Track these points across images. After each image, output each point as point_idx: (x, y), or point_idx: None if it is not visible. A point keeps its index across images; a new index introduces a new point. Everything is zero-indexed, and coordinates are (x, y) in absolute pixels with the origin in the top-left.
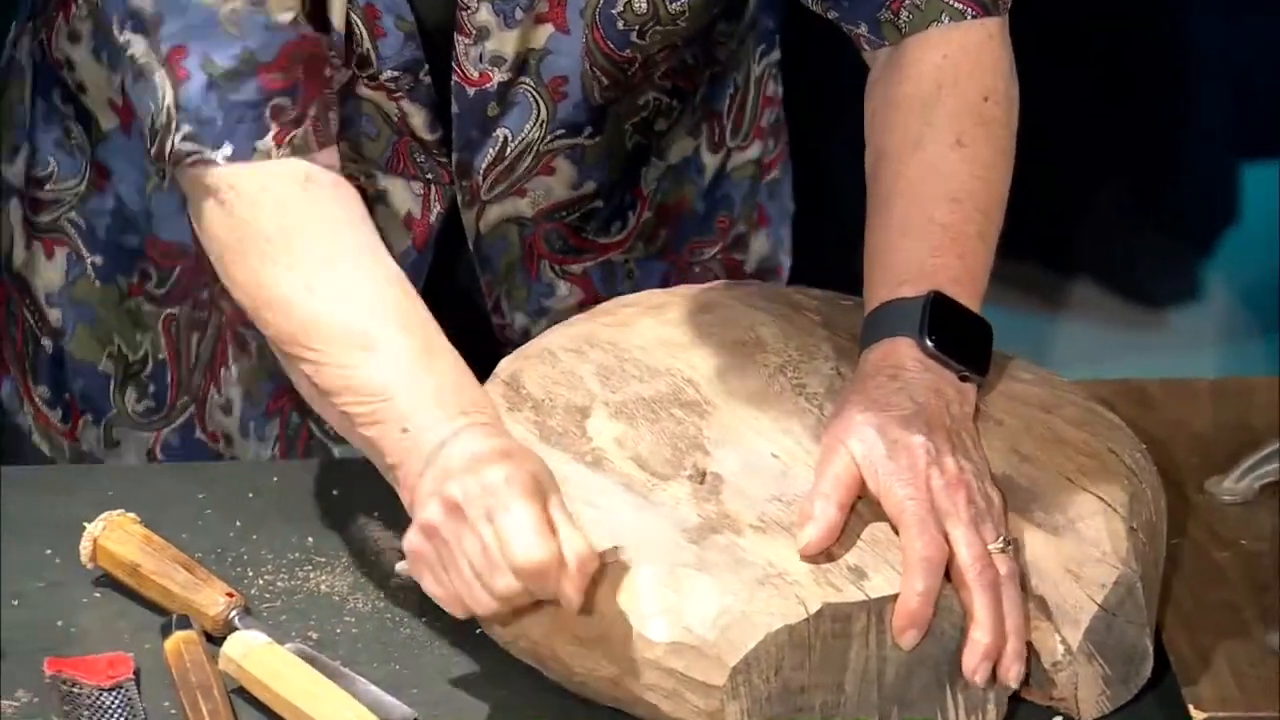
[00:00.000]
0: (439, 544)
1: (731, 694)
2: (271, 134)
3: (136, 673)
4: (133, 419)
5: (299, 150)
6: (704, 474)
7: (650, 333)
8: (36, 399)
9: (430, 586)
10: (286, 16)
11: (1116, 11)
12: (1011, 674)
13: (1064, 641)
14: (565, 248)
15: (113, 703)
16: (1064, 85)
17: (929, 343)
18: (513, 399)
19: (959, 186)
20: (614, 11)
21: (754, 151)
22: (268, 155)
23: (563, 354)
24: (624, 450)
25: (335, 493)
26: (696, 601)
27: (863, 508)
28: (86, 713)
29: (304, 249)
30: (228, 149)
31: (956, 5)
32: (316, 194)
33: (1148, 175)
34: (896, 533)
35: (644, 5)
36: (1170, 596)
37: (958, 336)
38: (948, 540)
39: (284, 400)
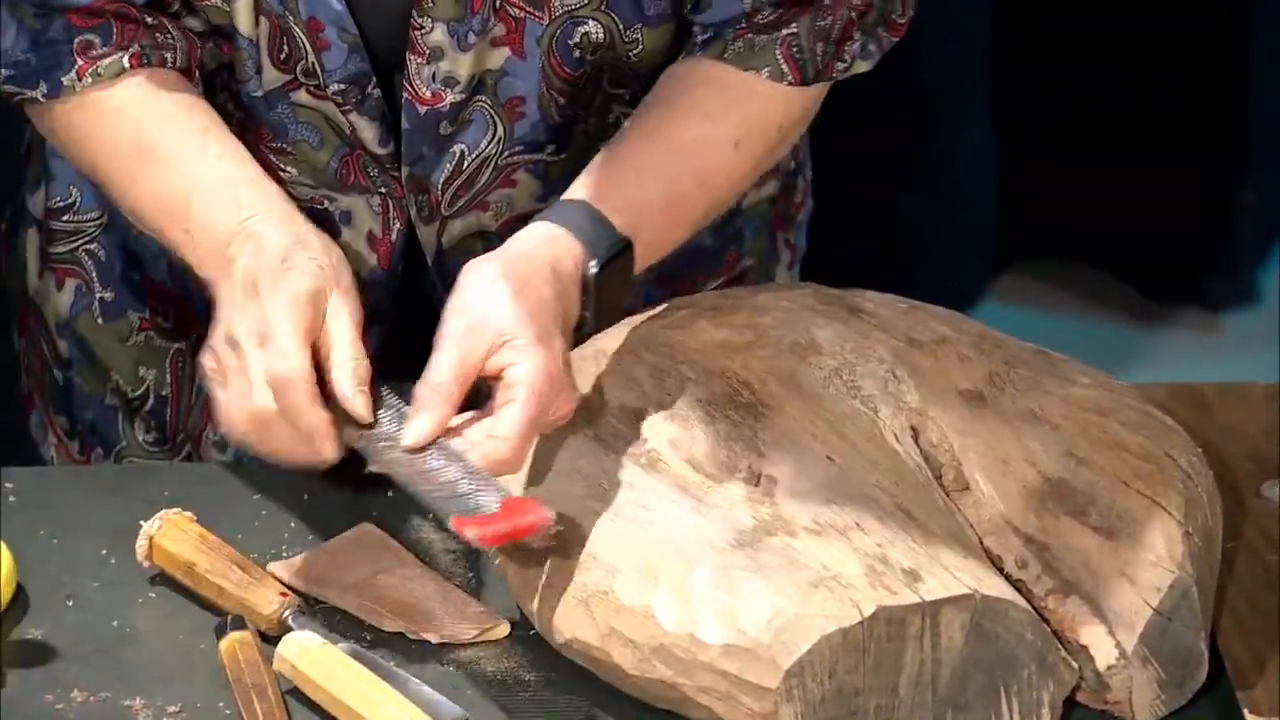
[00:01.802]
0: (221, 368)
1: (785, 697)
2: (75, 67)
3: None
4: (143, 449)
5: (105, 77)
6: (759, 476)
7: (705, 334)
8: (58, 429)
9: (218, 405)
10: None
11: (1177, 15)
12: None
13: (1119, 645)
14: None
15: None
16: (1121, 91)
17: (591, 270)
18: None
19: (714, 176)
20: (570, 42)
21: (770, 189)
22: (72, 88)
23: (617, 356)
24: (678, 452)
25: (390, 494)
26: (750, 604)
27: (915, 510)
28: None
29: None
30: (43, 88)
31: (782, 66)
32: (157, 85)
33: (1205, 181)
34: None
35: (600, 35)
36: (1225, 601)
37: (608, 290)
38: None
39: None
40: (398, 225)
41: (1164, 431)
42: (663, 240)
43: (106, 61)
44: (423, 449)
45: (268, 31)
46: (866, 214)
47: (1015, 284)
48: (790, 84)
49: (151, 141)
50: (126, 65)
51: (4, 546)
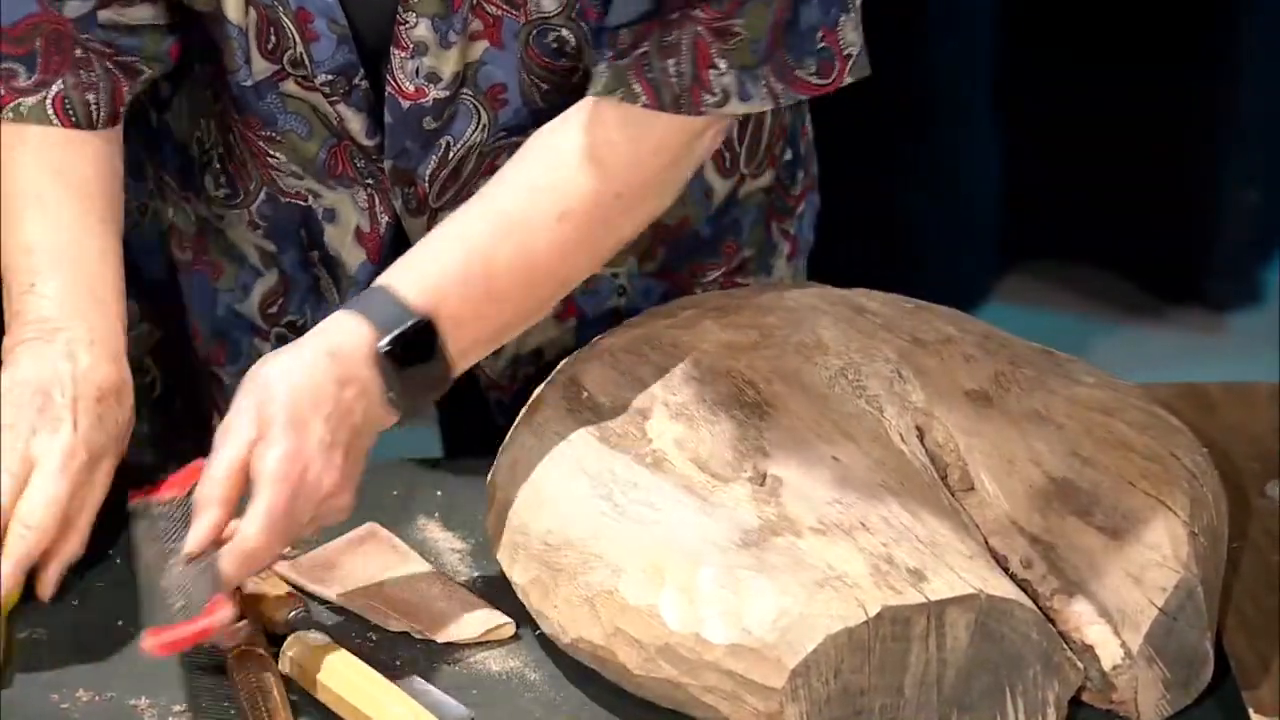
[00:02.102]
0: None
1: (790, 696)
2: None
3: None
4: (153, 439)
5: (26, 118)
6: (764, 476)
7: (711, 334)
8: None
9: None
10: None
11: (1179, 14)
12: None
13: (1124, 645)
14: None
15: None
16: (1124, 91)
17: (382, 347)
18: (572, 400)
19: (535, 251)
20: (546, 41)
21: (766, 179)
22: None
23: (623, 355)
24: (684, 452)
25: (395, 492)
26: (756, 603)
27: (921, 510)
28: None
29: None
30: None
31: (634, 86)
32: (41, 170)
33: (1208, 181)
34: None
35: (574, 42)
36: (1230, 600)
37: (415, 364)
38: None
39: None
40: (385, 218)
41: (1169, 431)
42: (479, 314)
43: (30, 101)
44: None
45: (256, 21)
46: (870, 213)
47: (1020, 284)
48: (645, 106)
49: (21, 223)
50: (50, 114)
51: None
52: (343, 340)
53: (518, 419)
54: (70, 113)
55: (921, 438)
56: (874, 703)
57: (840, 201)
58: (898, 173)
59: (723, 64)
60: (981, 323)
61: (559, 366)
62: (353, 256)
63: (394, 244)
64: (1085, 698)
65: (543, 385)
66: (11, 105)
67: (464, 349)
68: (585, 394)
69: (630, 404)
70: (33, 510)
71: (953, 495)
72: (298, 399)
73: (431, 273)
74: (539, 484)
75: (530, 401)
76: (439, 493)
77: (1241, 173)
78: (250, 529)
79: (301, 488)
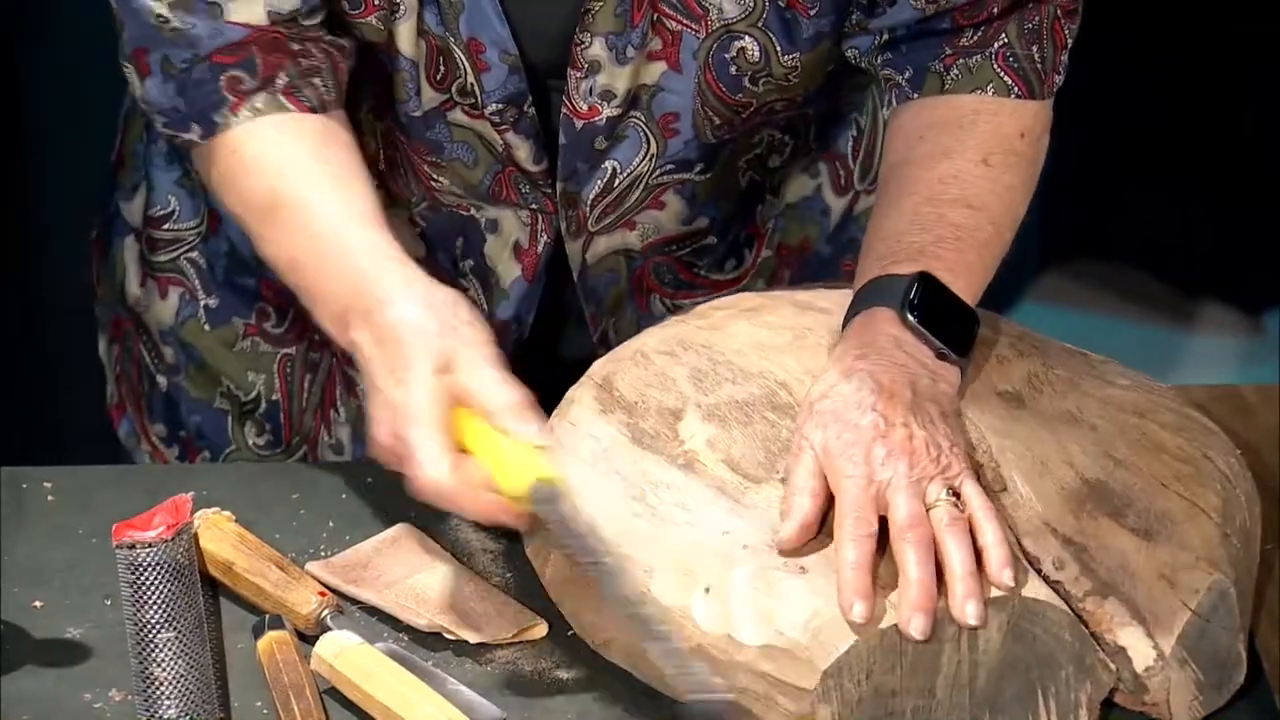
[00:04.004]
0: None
1: (823, 697)
2: (228, 105)
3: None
4: (253, 453)
5: (264, 111)
6: None
7: (744, 335)
8: (153, 437)
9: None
10: (241, 16)
11: (1222, 16)
12: (970, 613)
13: (1157, 647)
14: (676, 282)
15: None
16: (1163, 90)
17: (909, 315)
18: (605, 401)
19: (976, 195)
20: (727, 56)
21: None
22: (227, 126)
23: (656, 356)
24: (716, 453)
25: None
26: (788, 605)
27: None
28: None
29: (280, 202)
30: (197, 130)
31: (1005, 79)
32: (292, 135)
33: (1246, 181)
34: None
35: (756, 54)
36: (1264, 602)
37: (940, 316)
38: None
39: None
40: (545, 239)
41: (1203, 433)
42: (967, 266)
43: (262, 97)
44: None
45: (425, 52)
46: None
47: (1054, 284)
48: (1017, 96)
49: (281, 196)
50: (284, 103)
51: None
52: (874, 337)
53: (550, 419)
54: (303, 98)
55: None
56: (906, 704)
57: None
58: None
59: (1071, 41)
60: (1014, 324)
61: (591, 367)
62: (508, 270)
63: (550, 263)
64: (1118, 699)
65: (575, 386)
66: (245, 105)
67: (971, 295)
68: (618, 394)
69: (663, 405)
70: None
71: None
72: (871, 409)
73: (899, 249)
74: (572, 485)
75: (563, 402)
76: None
77: (1277, 172)
78: (847, 557)
79: (867, 494)
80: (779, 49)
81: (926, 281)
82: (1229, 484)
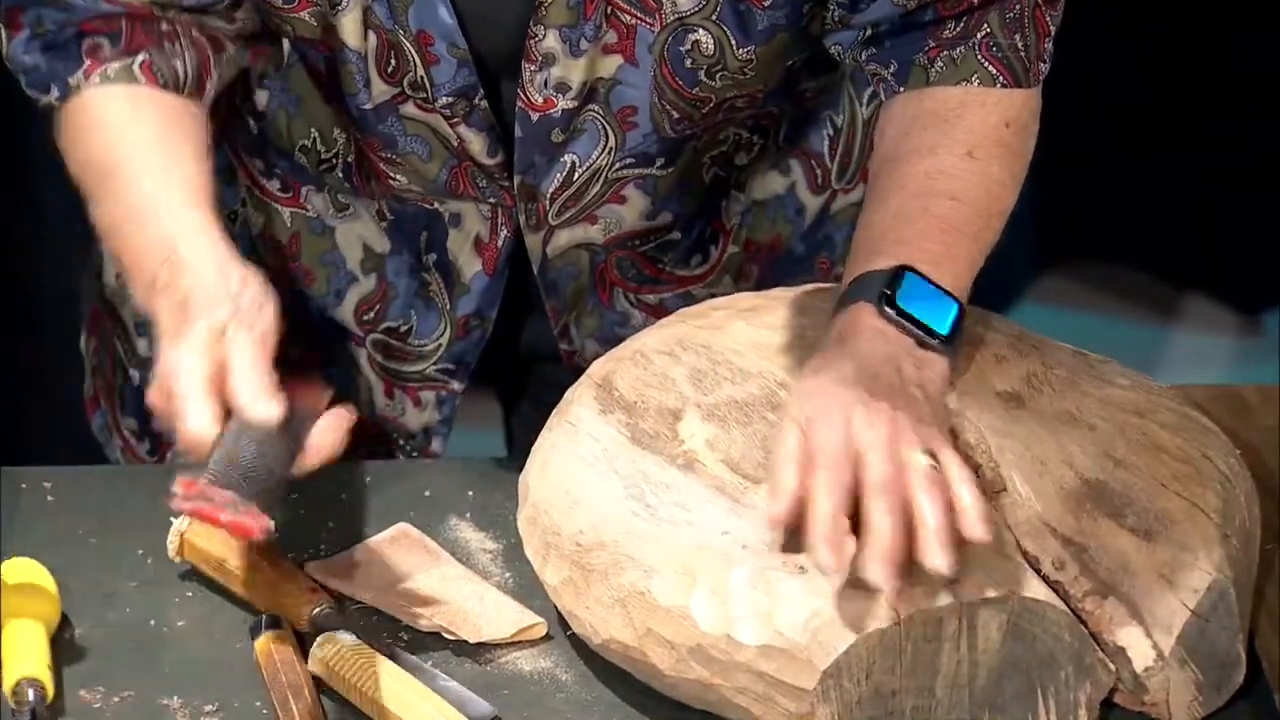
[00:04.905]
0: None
1: (822, 697)
2: (83, 68)
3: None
4: None
5: (115, 80)
6: None
7: (743, 335)
8: (125, 431)
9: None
10: None
11: (1213, 11)
12: (939, 562)
13: (1156, 647)
14: (640, 277)
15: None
16: (1158, 90)
17: (886, 308)
18: (605, 400)
19: (962, 189)
20: (682, 50)
21: (858, 194)
22: (79, 89)
23: (655, 356)
24: (716, 453)
25: (427, 493)
26: (787, 605)
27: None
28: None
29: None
30: (55, 92)
31: (990, 69)
32: (142, 106)
33: (1246, 181)
34: None
35: (711, 47)
36: (1263, 603)
37: (923, 306)
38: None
39: (363, 435)
40: (505, 232)
41: (1202, 433)
42: (952, 257)
43: (116, 65)
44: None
45: (375, 46)
46: None
47: (1054, 285)
48: (1003, 86)
49: (115, 162)
50: (138, 75)
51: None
52: (856, 328)
53: (550, 419)
54: (159, 74)
55: (954, 439)
56: (905, 704)
57: None
58: None
59: (1054, 31)
60: (1014, 324)
61: (590, 367)
62: (470, 264)
63: (511, 258)
64: (1117, 699)
65: (574, 386)
66: (99, 71)
67: (957, 285)
68: (617, 394)
69: (662, 405)
70: None
71: (984, 497)
72: (855, 386)
73: (883, 244)
74: (571, 485)
75: (562, 402)
76: (471, 493)
77: (1277, 172)
78: (819, 508)
79: (842, 444)
80: (733, 42)
81: (907, 273)
82: (1228, 484)
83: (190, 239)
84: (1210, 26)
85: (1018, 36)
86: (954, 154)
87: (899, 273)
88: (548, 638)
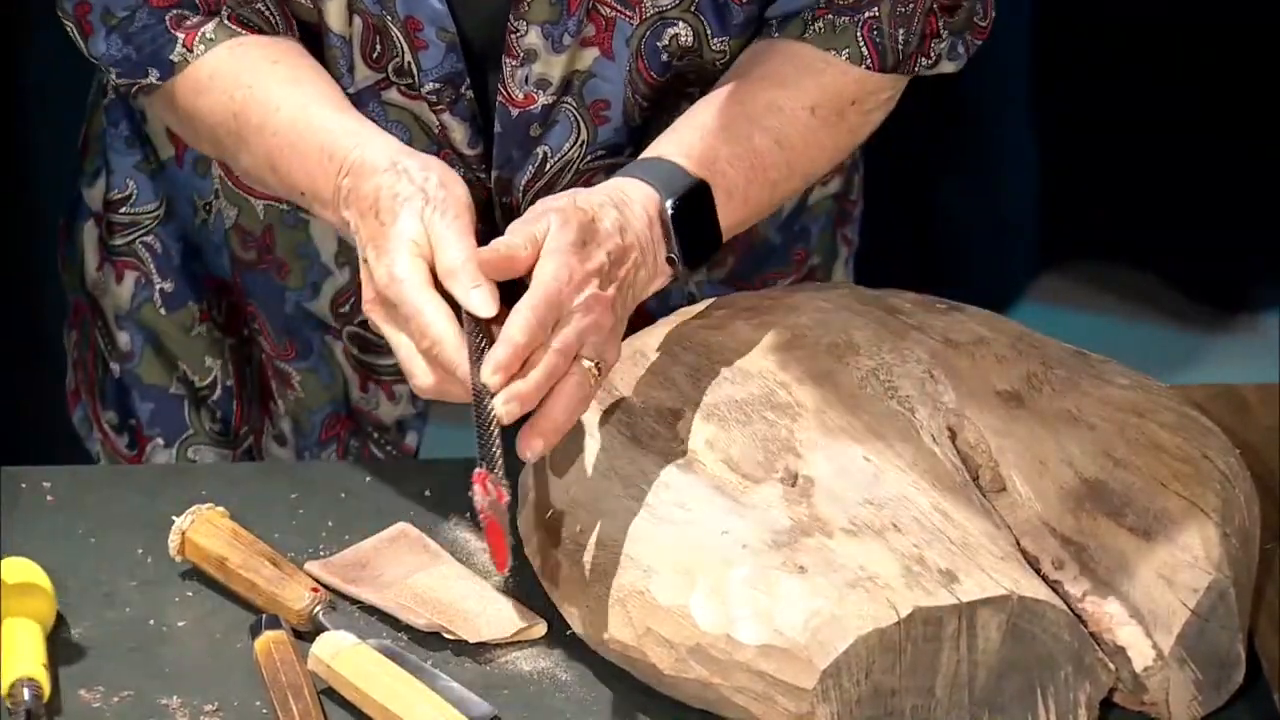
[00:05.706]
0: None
1: (822, 697)
2: (180, 41)
3: None
4: (210, 436)
5: (216, 40)
6: (795, 476)
7: (743, 335)
8: (104, 424)
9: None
10: None
11: (1221, 12)
12: (532, 447)
13: (1156, 647)
14: None
15: None
16: (1164, 90)
17: (667, 208)
18: (604, 400)
19: (789, 136)
20: (659, 44)
21: (835, 186)
22: (185, 61)
23: (655, 356)
24: (715, 452)
25: (427, 493)
26: (787, 604)
27: (952, 511)
28: None
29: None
30: (155, 73)
31: (862, 49)
32: (245, 49)
33: (1247, 181)
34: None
35: (689, 39)
36: (1263, 602)
37: (691, 229)
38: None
39: (338, 428)
40: (480, 225)
41: (1202, 433)
42: (746, 195)
43: (210, 26)
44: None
45: (360, 30)
46: (907, 214)
47: (1055, 284)
48: (869, 68)
49: (240, 103)
50: (233, 28)
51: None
52: (628, 195)
53: None
54: (249, 23)
55: (953, 438)
56: (905, 704)
57: (876, 202)
58: (936, 173)
59: (945, 33)
60: (1014, 323)
61: None
62: None
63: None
64: (1117, 699)
65: None
66: (197, 37)
67: (730, 225)
68: (616, 393)
69: (662, 404)
70: None
71: (984, 496)
72: (585, 223)
73: (701, 151)
74: (571, 484)
75: None
76: (471, 492)
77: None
78: (512, 323)
79: (561, 296)
80: (710, 33)
81: (700, 192)
82: (1228, 484)
83: (358, 142)
84: (1210, 27)
85: (901, 31)
86: (797, 102)
87: (695, 188)
88: (547, 637)
